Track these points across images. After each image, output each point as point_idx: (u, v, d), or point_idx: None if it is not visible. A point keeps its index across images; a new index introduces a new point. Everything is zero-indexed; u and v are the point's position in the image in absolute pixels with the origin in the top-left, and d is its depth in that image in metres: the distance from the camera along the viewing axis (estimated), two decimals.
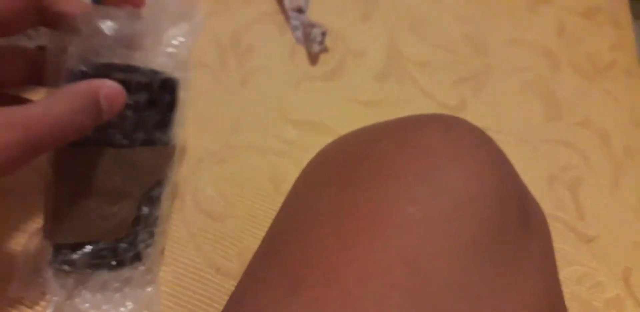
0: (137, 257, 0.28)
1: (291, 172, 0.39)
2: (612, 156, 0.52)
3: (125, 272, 0.28)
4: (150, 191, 0.28)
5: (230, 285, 0.34)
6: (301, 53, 0.49)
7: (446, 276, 0.23)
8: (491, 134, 0.30)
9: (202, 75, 0.44)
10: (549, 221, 0.46)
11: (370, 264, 0.23)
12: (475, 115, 0.50)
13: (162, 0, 0.27)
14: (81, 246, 0.26)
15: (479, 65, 0.54)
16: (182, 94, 0.29)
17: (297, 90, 0.46)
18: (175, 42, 0.27)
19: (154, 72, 0.27)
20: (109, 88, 0.25)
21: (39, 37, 0.34)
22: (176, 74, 0.28)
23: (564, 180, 0.48)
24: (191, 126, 0.41)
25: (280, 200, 0.31)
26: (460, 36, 0.56)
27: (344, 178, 0.26)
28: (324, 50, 0.49)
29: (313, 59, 0.48)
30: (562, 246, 0.45)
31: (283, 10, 0.51)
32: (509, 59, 0.56)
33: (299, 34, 0.49)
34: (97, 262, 0.27)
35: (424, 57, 0.52)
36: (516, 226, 0.27)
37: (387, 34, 0.53)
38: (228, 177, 0.39)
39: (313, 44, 0.47)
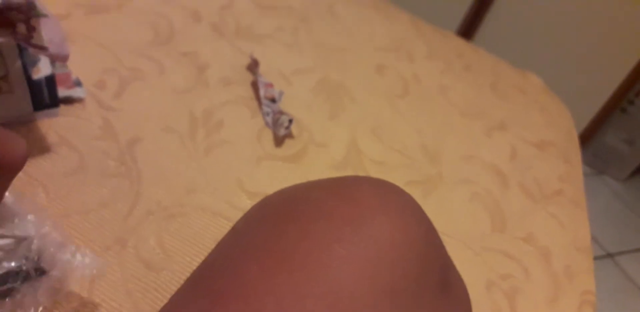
0: None
1: None
2: (552, 274, 0.58)
3: None
4: None
5: None
6: (268, 136, 0.56)
7: None
8: None
9: (170, 138, 0.50)
10: None
11: (289, 293, 0.26)
12: None
13: None
14: None
15: (432, 173, 0.62)
16: None
17: (258, 166, 0.52)
18: None
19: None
20: None
21: None
22: None
23: (502, 287, 0.53)
24: (148, 179, 0.46)
25: None
26: (417, 145, 0.65)
27: (278, 217, 0.31)
28: (289, 136, 0.57)
29: (278, 141, 0.56)
30: None
31: (258, 97, 0.60)
32: (460, 172, 0.64)
33: (269, 119, 0.57)
34: None
35: (380, 157, 0.60)
36: (435, 288, 0.31)
37: (350, 133, 0.61)
38: (173, 232, 0.43)
39: (280, 128, 0.55)
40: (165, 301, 0.39)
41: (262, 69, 0.64)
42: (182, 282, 0.40)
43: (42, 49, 0.40)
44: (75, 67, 0.52)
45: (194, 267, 0.42)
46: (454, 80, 0.82)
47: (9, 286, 0.31)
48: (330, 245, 0.28)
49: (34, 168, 0.44)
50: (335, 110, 0.64)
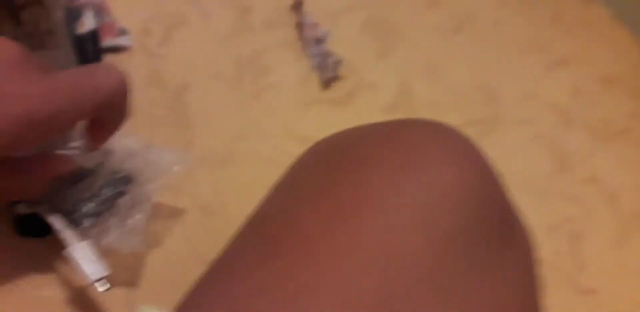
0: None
1: None
2: (619, 215, 0.56)
3: None
4: None
5: None
6: (315, 79, 0.55)
7: (417, 262, 0.26)
8: None
9: (217, 84, 0.50)
10: (547, 269, 0.50)
11: (344, 241, 0.26)
12: None
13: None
14: None
15: (488, 113, 0.60)
16: None
17: (306, 110, 0.52)
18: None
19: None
20: None
21: None
22: None
23: (564, 231, 0.52)
24: (198, 126, 0.46)
25: None
26: (473, 84, 0.62)
27: (331, 163, 0.31)
28: (337, 78, 0.55)
29: (325, 84, 0.54)
30: (558, 296, 0.47)
31: (303, 39, 0.58)
32: (519, 111, 0.62)
33: (315, 61, 0.56)
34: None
35: (433, 98, 0.58)
36: (496, 232, 0.30)
37: (401, 72, 0.60)
38: (226, 179, 0.44)
39: (327, 71, 0.54)
40: (222, 244, 0.40)
41: (306, 8, 0.62)
42: (237, 226, 0.41)
43: None
44: (120, 15, 0.51)
45: (248, 212, 0.42)
46: (512, 13, 0.77)
47: (113, 192, 0.35)
48: (383, 192, 0.27)
49: None
50: (385, 49, 0.62)
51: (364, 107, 0.54)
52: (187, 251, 0.38)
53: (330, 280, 0.24)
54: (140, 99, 0.47)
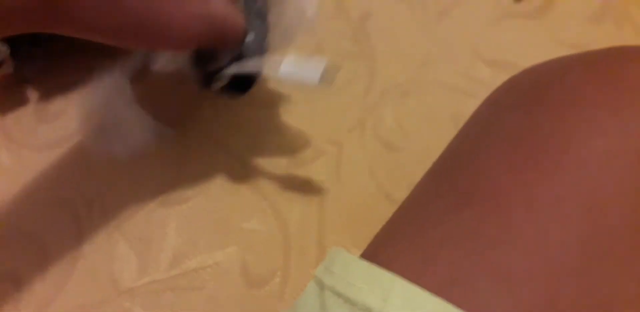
0: None
1: None
2: None
3: None
4: None
5: None
6: None
7: (627, 221, 0.23)
8: None
9: (400, 8, 0.49)
10: None
11: (541, 192, 0.24)
12: None
13: None
14: None
15: None
16: None
17: (497, 27, 0.48)
18: None
19: None
20: None
21: None
22: None
23: None
24: (381, 55, 0.46)
25: None
26: None
27: (529, 104, 0.27)
28: None
29: None
30: None
31: None
32: None
33: None
34: None
35: None
36: None
37: None
38: (409, 111, 0.44)
39: None
40: (408, 180, 0.41)
41: None
42: (423, 161, 0.42)
43: None
44: None
45: (433, 146, 0.43)
46: None
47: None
48: (590, 138, 0.24)
49: None
50: None
51: (564, 18, 0.48)
52: (373, 186, 0.41)
53: (524, 234, 0.23)
54: (327, 31, 0.48)
